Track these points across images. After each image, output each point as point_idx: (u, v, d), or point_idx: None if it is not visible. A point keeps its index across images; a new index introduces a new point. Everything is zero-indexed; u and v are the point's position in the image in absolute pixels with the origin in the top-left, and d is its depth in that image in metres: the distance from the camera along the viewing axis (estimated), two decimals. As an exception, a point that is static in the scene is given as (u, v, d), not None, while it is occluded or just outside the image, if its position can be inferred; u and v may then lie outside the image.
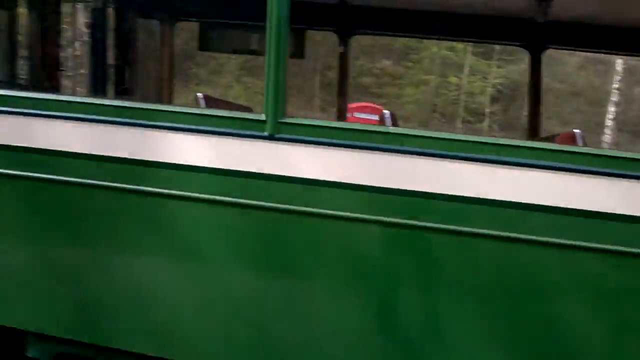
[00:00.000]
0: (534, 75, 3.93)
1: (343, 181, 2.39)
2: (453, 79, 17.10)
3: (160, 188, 2.50)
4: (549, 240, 2.24)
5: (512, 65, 15.70)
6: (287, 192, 2.43)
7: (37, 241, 2.71)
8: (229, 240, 2.50)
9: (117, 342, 2.65)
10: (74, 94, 4.24)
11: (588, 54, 10.60)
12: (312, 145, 2.43)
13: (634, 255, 2.18)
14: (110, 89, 3.87)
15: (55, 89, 3.48)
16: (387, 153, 2.37)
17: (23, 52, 3.45)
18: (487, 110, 16.90)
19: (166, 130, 2.52)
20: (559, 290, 2.28)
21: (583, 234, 2.22)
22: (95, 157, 2.57)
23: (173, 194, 2.49)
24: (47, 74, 3.44)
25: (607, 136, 13.67)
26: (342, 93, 4.26)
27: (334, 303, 2.45)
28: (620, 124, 14.52)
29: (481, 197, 2.27)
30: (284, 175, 2.43)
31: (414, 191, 2.33)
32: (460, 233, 2.30)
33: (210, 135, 2.49)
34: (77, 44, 4.43)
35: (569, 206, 2.22)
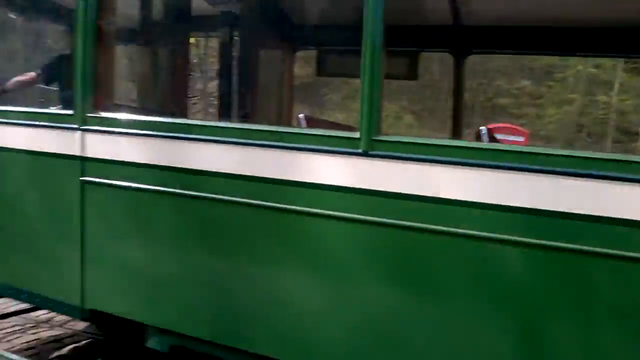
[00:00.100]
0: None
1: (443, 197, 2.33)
2: (602, 97, 15.82)
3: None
4: None
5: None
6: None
7: (186, 251, 2.92)
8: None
9: (254, 347, 2.78)
10: (204, 118, 4.57)
11: None
12: (405, 161, 2.39)
13: None
14: (237, 114, 4.15)
15: (184, 114, 3.78)
16: (482, 169, 2.27)
17: (160, 83, 3.84)
18: (642, 129, 15.38)
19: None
20: None
21: None
22: (241, 176, 2.71)
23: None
24: (176, 101, 3.75)
25: None
26: (457, 113, 4.17)
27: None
28: None
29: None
30: (377, 190, 2.42)
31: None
32: (623, 258, 2.07)
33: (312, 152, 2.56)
34: (204, 73, 4.77)
35: None
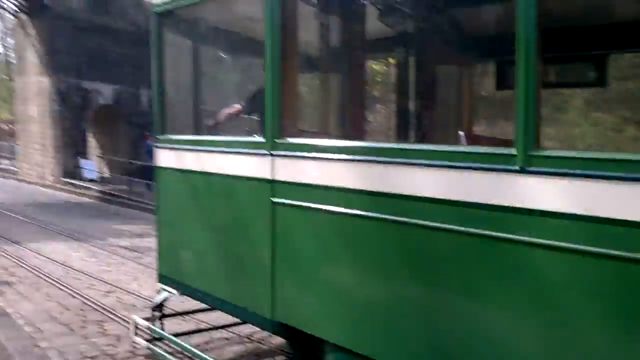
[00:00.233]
0: None
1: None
2: None
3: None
4: None
5: None
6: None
7: (381, 275, 2.84)
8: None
9: None
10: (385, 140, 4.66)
11: None
12: (566, 177, 2.17)
13: None
14: (415, 134, 4.15)
15: (365, 137, 3.91)
16: None
17: (341, 107, 4.05)
18: None
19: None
20: None
21: None
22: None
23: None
24: (356, 124, 3.90)
25: None
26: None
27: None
28: None
29: None
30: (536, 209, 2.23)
31: None
32: None
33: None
34: (383, 95, 4.88)
35: None
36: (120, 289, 7.80)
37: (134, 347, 5.20)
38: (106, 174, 23.44)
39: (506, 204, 2.32)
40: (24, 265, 9.08)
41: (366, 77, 4.22)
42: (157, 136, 4.45)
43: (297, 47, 3.60)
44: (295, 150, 3.30)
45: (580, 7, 3.70)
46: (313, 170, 3.18)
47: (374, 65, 4.60)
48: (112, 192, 19.83)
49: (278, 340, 4.97)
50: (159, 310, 4.47)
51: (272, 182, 3.40)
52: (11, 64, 40.16)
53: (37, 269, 8.79)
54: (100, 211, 17.03)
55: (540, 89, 2.28)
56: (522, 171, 2.28)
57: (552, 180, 2.20)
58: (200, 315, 5.50)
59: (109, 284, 8.07)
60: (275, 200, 3.38)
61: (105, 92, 23.46)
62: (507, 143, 2.43)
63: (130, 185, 19.46)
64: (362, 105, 3.97)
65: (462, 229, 2.47)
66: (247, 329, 5.47)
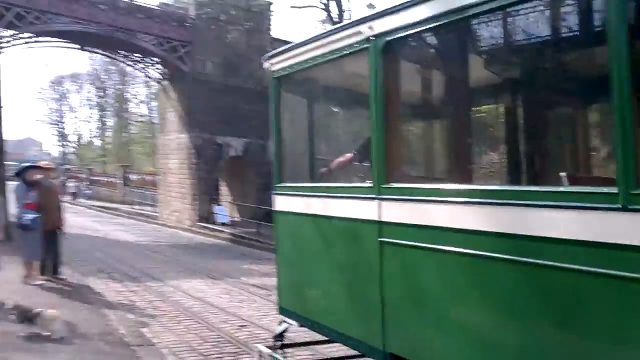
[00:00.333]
0: None
1: None
2: None
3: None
4: None
5: None
6: None
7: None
8: None
9: None
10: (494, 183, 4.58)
11: None
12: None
13: None
14: (526, 177, 4.08)
15: (471, 181, 3.91)
16: None
17: (447, 152, 4.11)
18: None
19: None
20: None
21: None
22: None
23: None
24: (464, 169, 3.94)
25: None
26: None
27: None
28: None
29: None
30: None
31: None
32: None
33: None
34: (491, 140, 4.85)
35: None
36: (253, 323, 8.19)
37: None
38: (236, 218, 24.81)
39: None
40: (165, 300, 9.84)
41: (473, 123, 4.27)
42: (276, 184, 4.81)
43: (400, 98, 3.76)
44: (400, 194, 3.44)
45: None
46: (418, 212, 3.28)
47: (480, 111, 4.61)
48: (242, 234, 20.95)
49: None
50: (280, 340, 4.73)
51: (379, 223, 3.55)
52: (155, 124, 44.47)
53: (177, 304, 9.48)
54: (231, 252, 18.04)
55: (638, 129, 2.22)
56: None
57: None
58: (319, 347, 5.67)
59: (242, 319, 8.51)
60: (383, 239, 3.53)
61: (235, 145, 25.12)
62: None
63: (259, 228, 20.46)
64: (468, 150, 4.02)
65: (591, 269, 2.37)
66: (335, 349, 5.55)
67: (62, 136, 64.55)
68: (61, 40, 23.97)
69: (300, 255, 4.55)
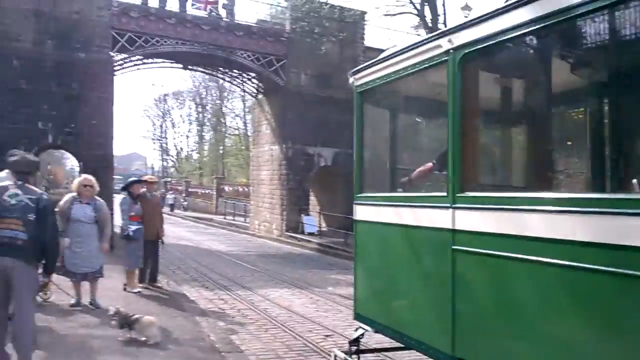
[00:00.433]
0: None
1: None
2: None
3: None
4: None
5: None
6: None
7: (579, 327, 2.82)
8: None
9: None
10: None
11: None
12: None
13: None
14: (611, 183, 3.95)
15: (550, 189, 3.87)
16: None
17: (525, 159, 4.07)
18: None
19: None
20: None
21: None
22: None
23: None
24: (543, 176, 3.91)
25: None
26: None
27: None
28: None
29: None
30: None
31: None
32: None
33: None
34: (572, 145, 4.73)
35: None
36: (338, 333, 8.32)
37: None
38: (324, 227, 25.19)
39: None
40: (254, 308, 10.22)
41: (554, 130, 4.24)
42: (356, 194, 5.04)
43: (477, 108, 3.85)
44: (474, 203, 3.55)
45: None
46: (493, 220, 3.36)
47: (562, 117, 4.52)
48: (329, 244, 21.24)
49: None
50: (356, 345, 4.90)
51: (452, 232, 3.68)
52: (249, 136, 46.29)
53: (265, 313, 9.82)
54: (318, 262, 18.38)
55: None
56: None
57: None
58: (394, 353, 5.75)
59: (327, 328, 8.68)
60: (456, 247, 3.65)
61: (326, 154, 25.59)
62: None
63: (346, 238, 20.65)
64: (547, 158, 4.01)
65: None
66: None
67: (164, 150, 69.01)
68: (166, 60, 25.87)
69: (376, 263, 4.76)
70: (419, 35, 23.27)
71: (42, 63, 19.51)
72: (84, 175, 8.77)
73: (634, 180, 2.89)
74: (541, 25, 3.08)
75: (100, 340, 6.44)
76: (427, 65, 4.06)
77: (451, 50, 3.74)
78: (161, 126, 67.22)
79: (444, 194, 3.79)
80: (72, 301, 8.05)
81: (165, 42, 22.63)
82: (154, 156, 70.44)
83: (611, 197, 2.96)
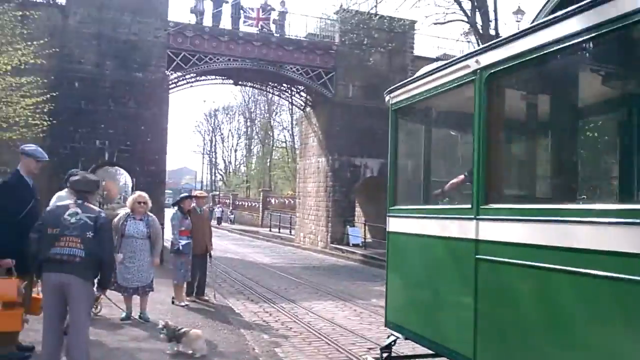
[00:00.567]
0: None
1: None
2: None
3: None
4: None
5: None
6: None
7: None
8: None
9: None
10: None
11: None
12: None
13: None
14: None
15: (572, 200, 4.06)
16: None
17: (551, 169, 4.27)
18: None
19: None
20: None
21: None
22: None
23: None
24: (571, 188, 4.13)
25: None
26: None
27: None
28: None
29: None
30: None
31: None
32: None
33: None
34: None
35: None
36: (381, 345, 8.42)
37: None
38: (369, 239, 25.27)
39: None
40: (297, 321, 10.43)
41: (577, 143, 4.45)
42: (389, 207, 5.36)
43: (501, 124, 4.12)
44: (497, 215, 3.82)
45: None
46: (515, 231, 3.61)
47: (585, 130, 4.67)
48: (374, 255, 21.28)
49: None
50: (388, 352, 5.18)
51: (476, 242, 3.96)
52: (295, 149, 46.95)
53: (308, 325, 10.00)
54: (362, 273, 18.46)
55: None
56: None
57: None
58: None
59: (370, 341, 8.78)
60: (480, 256, 3.94)
61: (372, 165, 25.74)
62: None
63: (391, 250, 20.54)
64: (569, 171, 4.24)
65: None
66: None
67: (213, 165, 70.78)
68: (218, 77, 26.88)
69: (405, 272, 5.12)
70: (469, 42, 23.17)
71: (101, 83, 20.75)
72: (139, 193, 9.19)
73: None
74: (562, 45, 3.37)
75: (148, 353, 6.76)
76: (456, 84, 4.42)
77: (478, 70, 4.08)
78: (211, 140, 69.38)
79: (469, 206, 4.06)
80: (123, 315, 8.42)
81: (218, 59, 23.45)
82: (203, 170, 72.27)
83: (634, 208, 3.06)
